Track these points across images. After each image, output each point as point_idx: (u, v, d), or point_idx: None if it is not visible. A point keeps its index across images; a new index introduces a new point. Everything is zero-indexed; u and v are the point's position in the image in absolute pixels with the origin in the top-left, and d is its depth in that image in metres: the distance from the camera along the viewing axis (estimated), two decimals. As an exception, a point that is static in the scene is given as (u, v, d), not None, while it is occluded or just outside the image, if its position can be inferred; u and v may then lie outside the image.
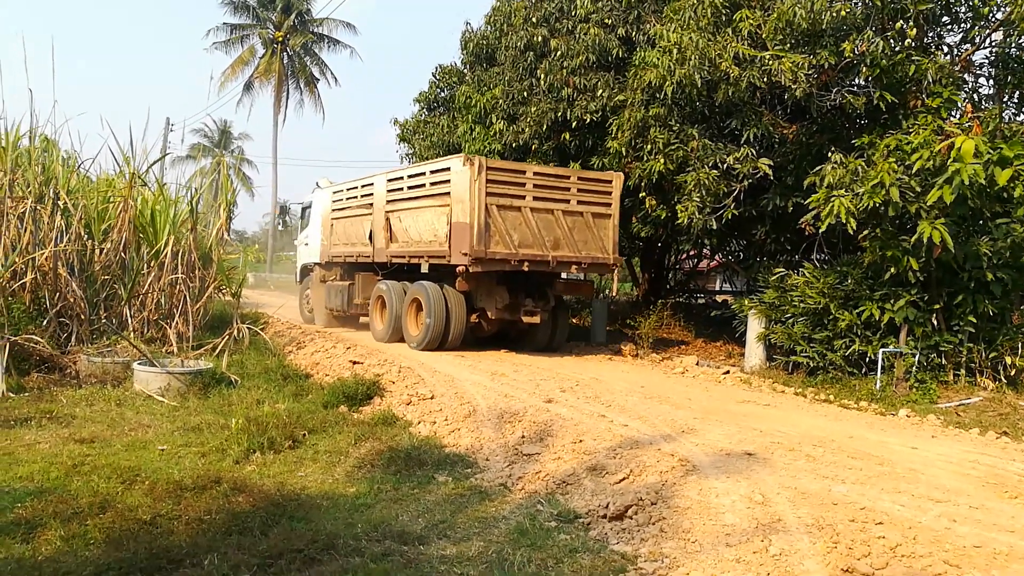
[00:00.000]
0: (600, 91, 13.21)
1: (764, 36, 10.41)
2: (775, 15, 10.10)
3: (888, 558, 4.20)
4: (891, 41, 9.83)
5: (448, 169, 11.42)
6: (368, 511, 5.39)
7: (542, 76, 13.84)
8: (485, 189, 10.93)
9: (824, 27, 10.09)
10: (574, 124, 13.58)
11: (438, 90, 18.27)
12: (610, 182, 12.17)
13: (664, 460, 5.93)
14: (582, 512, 5.36)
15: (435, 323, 11.66)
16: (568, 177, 11.94)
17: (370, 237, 13.60)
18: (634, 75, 12.31)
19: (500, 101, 14.83)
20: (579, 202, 11.87)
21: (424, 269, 12.28)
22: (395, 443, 7.00)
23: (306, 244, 17.67)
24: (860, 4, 10.41)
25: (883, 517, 4.73)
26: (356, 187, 14.69)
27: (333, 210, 15.61)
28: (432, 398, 8.60)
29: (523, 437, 7.05)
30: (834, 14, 9.94)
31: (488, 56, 16.41)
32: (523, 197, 11.35)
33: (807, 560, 4.25)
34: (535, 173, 11.57)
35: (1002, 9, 10.10)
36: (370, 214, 13.73)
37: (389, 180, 13.17)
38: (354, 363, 10.58)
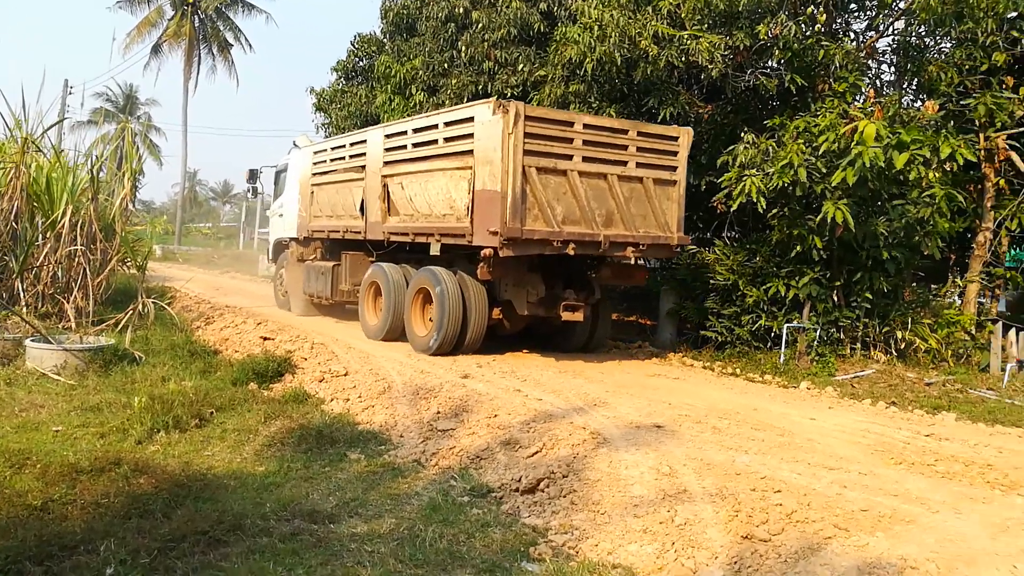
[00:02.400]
0: (521, 65, 13.18)
1: (683, 15, 10.55)
2: (693, -5, 10.24)
3: (784, 524, 4.39)
4: (802, 25, 10.13)
5: (471, 119, 8.91)
6: (277, 490, 5.30)
7: (463, 48, 13.69)
8: (523, 146, 8.40)
9: (740, 9, 10.30)
10: (495, 98, 13.48)
11: (356, 59, 17.86)
12: (676, 139, 9.63)
13: (576, 433, 6.02)
14: (495, 486, 5.40)
15: (450, 321, 9.24)
16: (626, 132, 9.24)
17: (361, 208, 11.14)
18: (555, 50, 12.30)
19: (420, 72, 14.62)
20: (638, 164, 9.29)
21: (434, 251, 9.74)
22: (307, 421, 6.87)
23: (280, 215, 14.94)
24: (774, -13, 10.66)
25: (781, 485, 4.93)
26: (343, 145, 12.10)
27: (314, 174, 12.98)
28: (346, 375, 8.48)
29: (438, 413, 7.03)
30: (750, -5, 10.16)
31: (408, 26, 16.12)
32: (569, 158, 8.81)
33: (710, 528, 4.40)
34: (585, 126, 8.97)
35: (903, -3, 10.52)
36: (362, 179, 11.18)
37: (388, 136, 10.56)
38: (265, 339, 10.33)
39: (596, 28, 10.72)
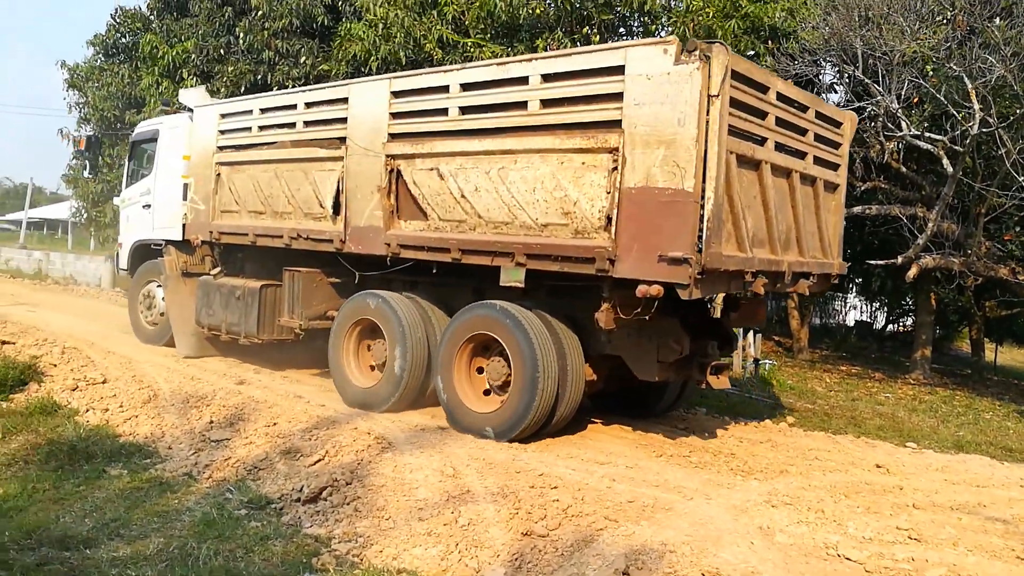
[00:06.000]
0: (304, 58, 12.77)
1: (467, 23, 10.84)
2: (477, 4, 10.56)
3: (561, 519, 4.65)
4: (578, 43, 10.78)
5: (619, 71, 5.47)
6: (19, 516, 4.72)
7: (241, 35, 13.02)
8: (728, 120, 5.31)
9: (521, 22, 10.76)
10: (275, 89, 12.97)
11: (118, 35, 16.33)
12: (840, 126, 7.07)
13: (361, 439, 5.95)
14: (275, 497, 5.20)
15: (544, 391, 5.98)
16: (806, 109, 6.46)
17: (335, 204, 7.44)
18: (339, 46, 12.08)
19: (193, 56, 13.67)
20: (815, 160, 6.65)
21: (509, 280, 6.15)
22: (57, 435, 6.18)
23: (145, 206, 10.11)
24: (553, 6, 11.26)
25: (558, 481, 5.22)
26: (292, 105, 7.99)
27: (222, 148, 8.79)
28: (104, 382, 7.72)
29: (211, 422, 6.63)
30: (530, 11, 10.65)
31: (180, 5, 15.02)
32: (763, 142, 5.92)
33: (492, 528, 4.55)
34: (779, 96, 6.03)
35: (666, 28, 11.57)
36: (338, 159, 7.34)
37: (398, 94, 6.85)
38: (3, 343, 9.11)
39: (381, 26, 10.71)
